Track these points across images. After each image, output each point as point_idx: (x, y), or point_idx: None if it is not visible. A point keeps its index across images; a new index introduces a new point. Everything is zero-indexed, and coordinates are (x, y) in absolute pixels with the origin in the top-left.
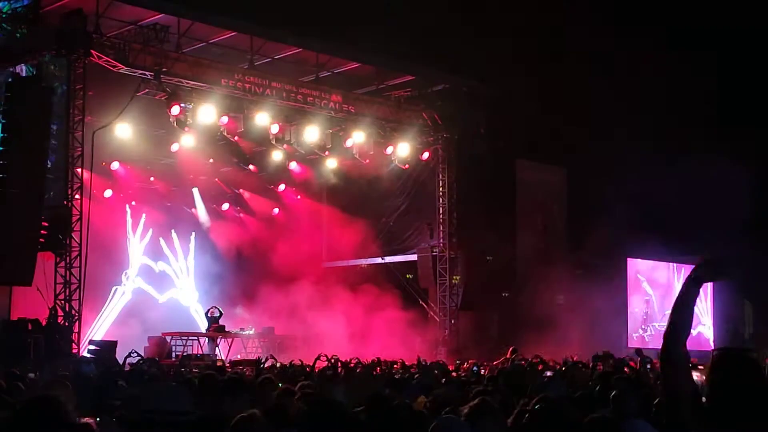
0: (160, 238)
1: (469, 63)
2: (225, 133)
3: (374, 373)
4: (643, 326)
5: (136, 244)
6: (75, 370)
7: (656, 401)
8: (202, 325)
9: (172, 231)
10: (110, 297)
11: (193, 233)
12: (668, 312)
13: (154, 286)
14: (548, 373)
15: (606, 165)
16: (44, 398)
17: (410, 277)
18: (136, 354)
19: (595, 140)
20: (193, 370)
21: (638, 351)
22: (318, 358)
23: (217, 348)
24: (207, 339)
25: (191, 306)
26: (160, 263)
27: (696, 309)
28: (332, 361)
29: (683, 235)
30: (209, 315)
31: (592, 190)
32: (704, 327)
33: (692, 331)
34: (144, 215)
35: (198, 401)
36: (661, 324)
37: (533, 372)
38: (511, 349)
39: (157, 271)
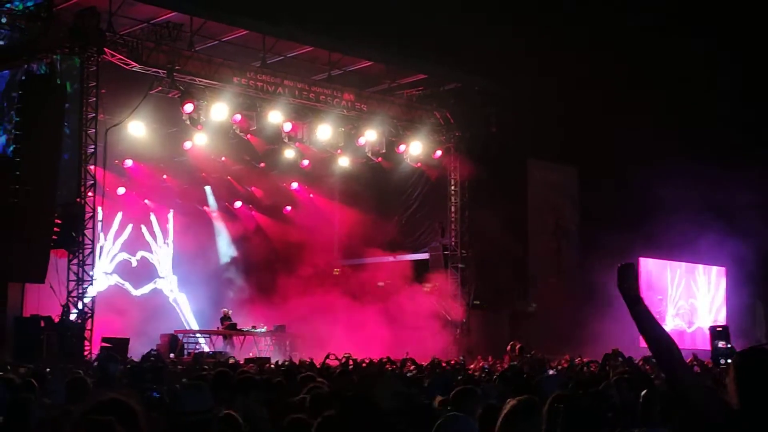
0: (142, 226)
1: (481, 62)
2: (237, 131)
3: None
4: (662, 324)
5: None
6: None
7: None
8: (189, 318)
9: (151, 214)
10: None
11: (171, 211)
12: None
13: (132, 281)
14: (551, 372)
15: (618, 165)
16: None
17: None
18: (155, 352)
19: (608, 140)
20: (204, 367)
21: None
22: (327, 357)
23: (228, 346)
24: (220, 337)
25: (171, 296)
26: (140, 254)
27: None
28: (343, 360)
29: (694, 236)
30: (222, 315)
31: (605, 189)
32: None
33: (689, 328)
34: (120, 213)
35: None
36: (671, 328)
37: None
38: (519, 347)
39: (134, 264)
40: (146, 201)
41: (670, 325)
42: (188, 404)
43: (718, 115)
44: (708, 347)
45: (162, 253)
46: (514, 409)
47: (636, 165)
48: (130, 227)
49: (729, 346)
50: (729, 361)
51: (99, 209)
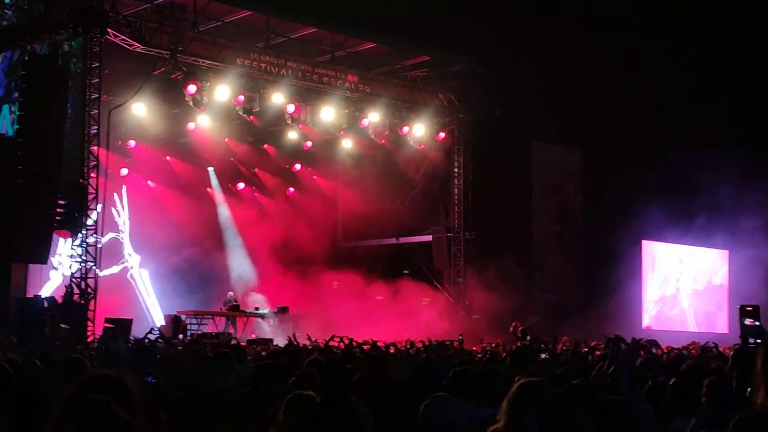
0: (112, 208)
1: (485, 43)
2: (240, 113)
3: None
4: (665, 307)
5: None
6: (104, 348)
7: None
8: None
9: (114, 195)
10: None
11: (124, 187)
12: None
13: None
14: (543, 356)
15: (623, 147)
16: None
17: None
18: (157, 331)
19: (612, 122)
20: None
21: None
22: (331, 338)
23: (232, 327)
24: (223, 318)
25: (130, 272)
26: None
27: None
28: (345, 341)
29: (699, 218)
30: (227, 297)
31: (609, 171)
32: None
33: (671, 312)
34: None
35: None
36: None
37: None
38: (520, 329)
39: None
40: (149, 182)
41: (676, 309)
42: (209, 381)
43: (722, 93)
44: (712, 330)
45: (127, 231)
46: (522, 387)
47: (640, 147)
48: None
49: (757, 323)
50: (758, 341)
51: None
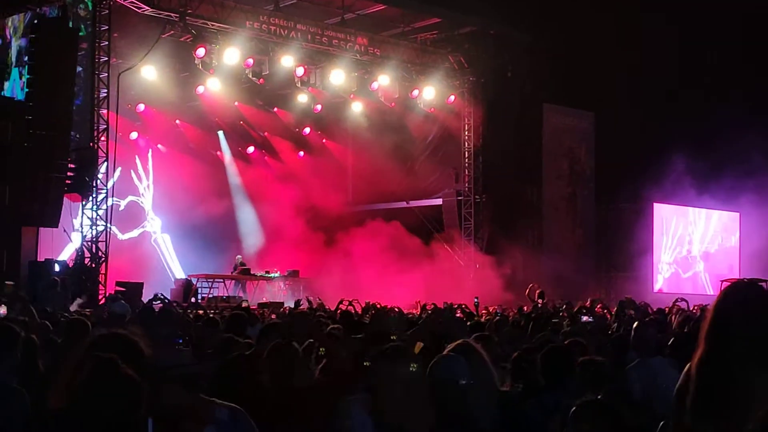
0: (131, 171)
1: (496, 5)
2: (250, 76)
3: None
4: (678, 270)
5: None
6: (108, 310)
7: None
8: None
9: (136, 158)
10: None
11: (150, 150)
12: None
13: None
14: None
15: (634, 110)
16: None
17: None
18: (161, 296)
19: (624, 85)
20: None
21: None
22: (341, 302)
23: (242, 291)
24: (233, 281)
25: (153, 237)
26: (129, 198)
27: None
28: (355, 305)
29: (710, 181)
30: (236, 261)
31: (620, 134)
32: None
33: (684, 275)
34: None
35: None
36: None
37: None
38: (538, 292)
39: (122, 208)
40: (159, 146)
41: (689, 272)
42: (165, 361)
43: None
44: (715, 292)
45: (148, 196)
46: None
47: (652, 110)
48: (118, 170)
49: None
50: None
51: None
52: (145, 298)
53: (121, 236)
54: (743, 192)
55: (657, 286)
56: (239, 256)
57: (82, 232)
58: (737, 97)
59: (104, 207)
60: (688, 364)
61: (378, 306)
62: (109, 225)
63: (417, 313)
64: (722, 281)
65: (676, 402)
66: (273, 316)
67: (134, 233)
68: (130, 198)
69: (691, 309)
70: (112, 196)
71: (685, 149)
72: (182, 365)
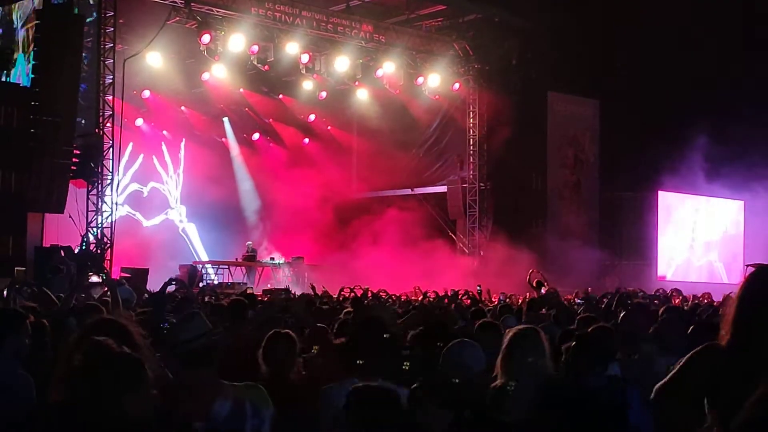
0: (153, 157)
1: None
2: (255, 63)
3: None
4: (682, 258)
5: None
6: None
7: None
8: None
9: (162, 144)
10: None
11: (183, 140)
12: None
13: (142, 211)
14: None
15: (638, 98)
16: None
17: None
18: (175, 281)
19: (628, 73)
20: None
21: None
22: (342, 290)
23: (247, 277)
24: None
25: (180, 227)
26: (151, 184)
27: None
28: (357, 291)
29: (715, 169)
30: (246, 248)
31: (625, 123)
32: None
33: (689, 262)
34: (131, 143)
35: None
36: (690, 262)
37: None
38: (536, 281)
39: (145, 194)
40: (164, 132)
41: (698, 262)
42: (182, 334)
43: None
44: (732, 280)
45: (172, 184)
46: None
47: (656, 98)
48: (141, 157)
49: None
50: None
51: None
52: (149, 285)
53: (146, 223)
54: (748, 181)
55: (661, 273)
56: (249, 243)
57: (87, 218)
58: (750, 85)
59: (108, 193)
60: (683, 359)
61: (378, 294)
62: (112, 211)
63: (419, 299)
64: (747, 266)
65: (669, 393)
66: (266, 298)
67: (156, 220)
68: (152, 184)
69: (688, 298)
70: (132, 182)
71: (691, 136)
72: (203, 335)
